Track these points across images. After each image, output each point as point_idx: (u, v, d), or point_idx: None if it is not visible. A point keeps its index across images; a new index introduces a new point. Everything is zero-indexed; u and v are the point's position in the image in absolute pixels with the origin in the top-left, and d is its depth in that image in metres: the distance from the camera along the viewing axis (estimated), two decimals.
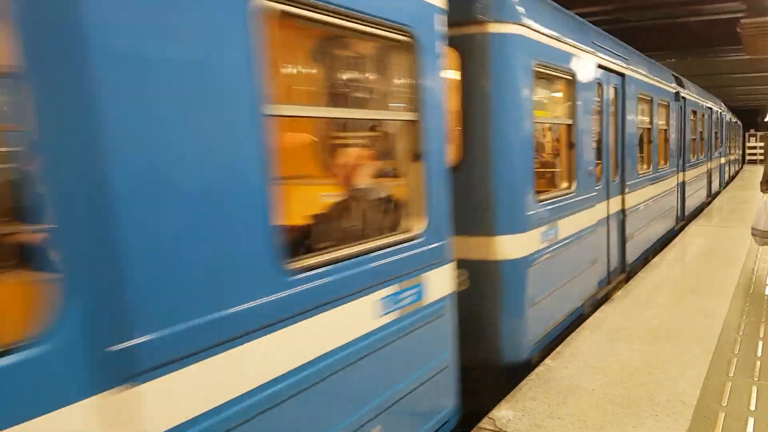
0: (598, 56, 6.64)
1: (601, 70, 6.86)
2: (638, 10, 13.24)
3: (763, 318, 6.31)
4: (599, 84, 6.88)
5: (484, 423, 4.19)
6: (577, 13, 7.01)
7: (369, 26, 2.97)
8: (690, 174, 13.62)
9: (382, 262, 3.09)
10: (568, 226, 5.70)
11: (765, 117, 41.07)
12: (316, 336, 2.63)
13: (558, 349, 5.56)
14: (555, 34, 5.37)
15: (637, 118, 8.65)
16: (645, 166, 9.54)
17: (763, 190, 8.05)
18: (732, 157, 27.79)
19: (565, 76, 5.78)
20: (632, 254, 8.49)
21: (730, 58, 18.55)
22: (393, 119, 3.72)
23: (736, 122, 30.28)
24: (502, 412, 4.32)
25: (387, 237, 3.26)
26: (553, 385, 4.75)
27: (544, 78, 5.52)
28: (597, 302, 6.88)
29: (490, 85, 4.47)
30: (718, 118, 19.72)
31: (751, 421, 4.14)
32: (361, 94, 4.52)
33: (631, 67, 8.28)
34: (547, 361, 5.27)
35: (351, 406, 2.90)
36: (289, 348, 2.49)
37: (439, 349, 3.65)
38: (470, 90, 4.53)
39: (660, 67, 11.11)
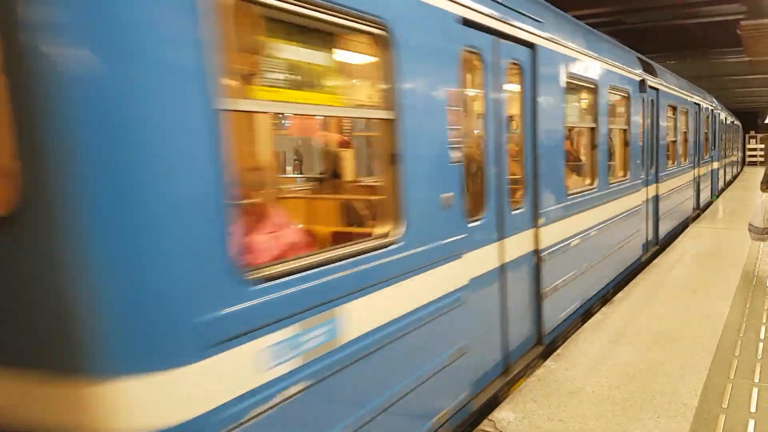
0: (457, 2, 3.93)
1: (473, 32, 4.24)
2: (638, 12, 13.26)
3: (764, 320, 6.31)
4: (474, 54, 4.35)
5: (485, 425, 4.20)
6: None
7: None
8: (667, 186, 10.87)
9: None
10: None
11: (765, 119, 41.10)
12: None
13: (559, 350, 5.56)
14: None
15: (563, 114, 5.89)
16: (584, 182, 6.92)
17: (763, 190, 8.17)
18: (729, 160, 25.49)
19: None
20: (551, 318, 5.61)
21: (730, 60, 18.57)
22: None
23: (733, 122, 27.45)
24: (502, 414, 4.32)
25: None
26: (555, 387, 4.75)
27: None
28: None
29: None
30: (709, 117, 17.02)
31: (751, 423, 4.14)
32: None
33: (551, 35, 5.46)
34: (548, 362, 5.27)
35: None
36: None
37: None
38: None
39: (616, 45, 8.40)
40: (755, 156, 41.22)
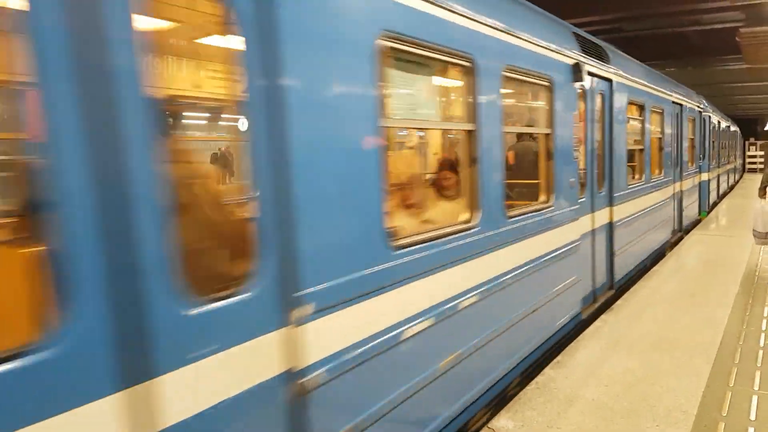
0: None
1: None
2: (637, 20, 13.30)
3: (764, 327, 6.30)
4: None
5: None
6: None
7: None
8: (628, 209, 8.20)
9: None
10: None
11: (765, 126, 41.15)
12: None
13: (558, 358, 5.55)
14: None
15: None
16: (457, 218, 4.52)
17: (760, 196, 8.22)
18: (724, 170, 23.00)
19: None
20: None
21: (730, 67, 18.62)
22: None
23: (728, 127, 24.29)
24: (501, 422, 4.31)
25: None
26: (554, 395, 4.74)
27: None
28: None
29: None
30: (696, 120, 14.22)
31: (751, 430, 4.13)
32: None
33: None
34: (547, 370, 5.26)
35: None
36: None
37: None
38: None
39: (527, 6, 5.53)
40: (755, 163, 41.27)
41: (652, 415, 4.36)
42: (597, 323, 6.56)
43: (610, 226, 7.56)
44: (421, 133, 6.39)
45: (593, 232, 6.98)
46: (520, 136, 6.53)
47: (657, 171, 10.25)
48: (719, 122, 19.81)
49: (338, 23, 2.96)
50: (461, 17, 3.98)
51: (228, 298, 2.41)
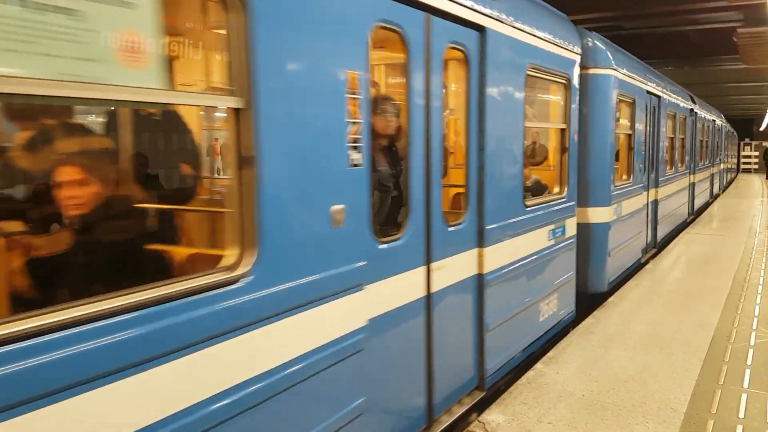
0: None
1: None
2: (636, 19, 13.31)
3: (754, 326, 6.34)
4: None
5: (474, 426, 4.20)
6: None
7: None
8: (513, 248, 5.15)
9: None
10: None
11: (761, 126, 41.32)
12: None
13: (550, 354, 5.58)
14: None
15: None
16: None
17: None
18: (716, 170, 21.02)
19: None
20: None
21: (727, 67, 18.66)
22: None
23: (715, 122, 20.22)
24: (492, 416, 4.33)
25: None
26: (545, 391, 4.76)
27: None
28: None
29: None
30: (677, 116, 12.18)
31: (740, 428, 4.16)
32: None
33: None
34: (538, 365, 5.28)
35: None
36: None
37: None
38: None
39: None
40: (750, 163, 41.44)
41: (642, 412, 4.39)
42: (589, 320, 6.59)
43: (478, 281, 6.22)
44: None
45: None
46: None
47: (626, 178, 8.59)
48: (705, 117, 17.27)
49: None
50: None
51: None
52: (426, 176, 3.80)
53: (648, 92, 9.34)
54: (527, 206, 5.15)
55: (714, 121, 19.54)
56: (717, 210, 17.80)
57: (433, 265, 3.87)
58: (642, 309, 7.01)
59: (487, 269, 4.47)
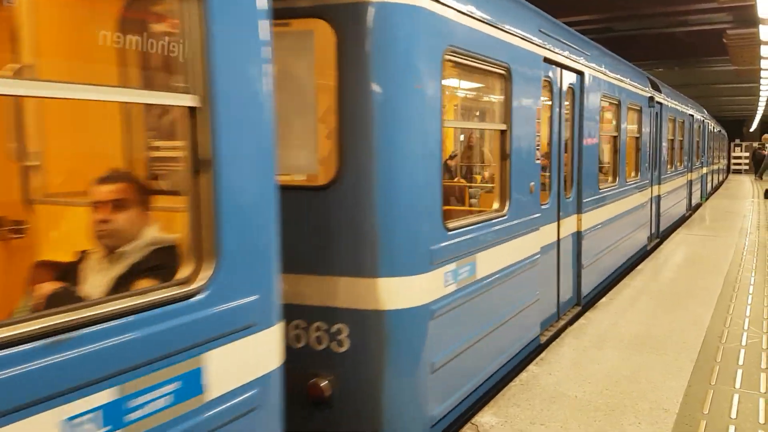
0: None
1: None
2: (627, 20, 13.38)
3: (746, 327, 6.36)
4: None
5: (467, 428, 4.19)
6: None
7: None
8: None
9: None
10: None
11: (750, 128, 41.61)
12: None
13: (542, 355, 5.57)
14: None
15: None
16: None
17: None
18: (696, 176, 17.84)
19: None
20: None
21: (717, 68, 18.80)
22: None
23: (698, 118, 17.70)
24: (485, 418, 4.31)
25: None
26: (537, 392, 4.75)
27: None
28: None
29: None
30: (622, 105, 8.51)
31: (732, 429, 4.16)
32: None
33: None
34: (531, 367, 5.27)
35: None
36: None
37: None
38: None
39: None
40: (740, 164, 41.69)
41: (634, 413, 4.38)
42: (581, 321, 6.59)
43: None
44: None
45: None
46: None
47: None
48: (688, 113, 15.38)
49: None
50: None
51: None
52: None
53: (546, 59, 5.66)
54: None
55: (693, 116, 16.31)
56: (707, 212, 17.85)
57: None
58: (633, 310, 7.02)
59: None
